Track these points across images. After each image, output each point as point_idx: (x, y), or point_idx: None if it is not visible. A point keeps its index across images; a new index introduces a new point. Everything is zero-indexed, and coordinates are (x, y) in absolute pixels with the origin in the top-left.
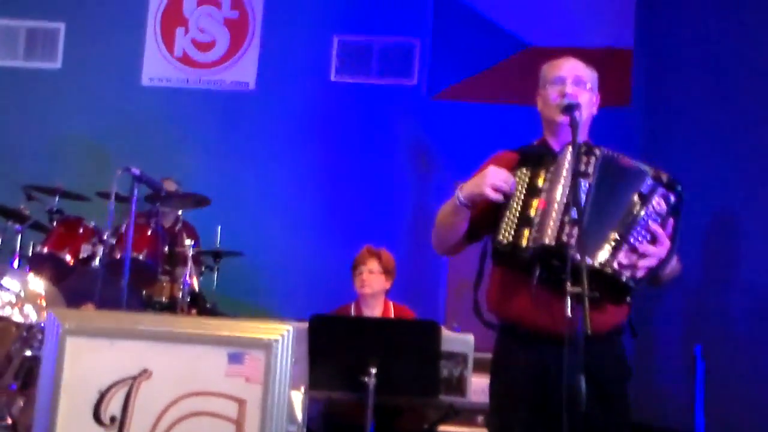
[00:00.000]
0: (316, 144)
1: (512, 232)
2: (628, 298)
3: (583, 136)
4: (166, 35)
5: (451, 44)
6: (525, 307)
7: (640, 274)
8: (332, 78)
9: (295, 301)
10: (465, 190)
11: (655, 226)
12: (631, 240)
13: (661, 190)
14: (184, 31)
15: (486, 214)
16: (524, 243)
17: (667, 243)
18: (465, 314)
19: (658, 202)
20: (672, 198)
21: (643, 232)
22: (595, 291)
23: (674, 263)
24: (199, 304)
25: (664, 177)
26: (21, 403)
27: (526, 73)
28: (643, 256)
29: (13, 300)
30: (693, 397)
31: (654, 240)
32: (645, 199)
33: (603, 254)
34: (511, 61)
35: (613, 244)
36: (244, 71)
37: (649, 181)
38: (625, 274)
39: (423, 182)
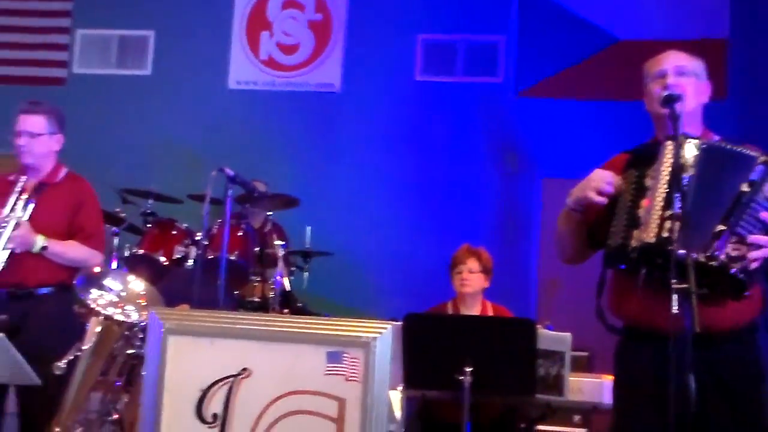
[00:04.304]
0: (402, 144)
1: (622, 234)
2: (746, 293)
3: (695, 126)
4: (252, 39)
5: (536, 40)
6: (639, 307)
7: (752, 265)
8: (417, 77)
9: (385, 300)
10: (572, 194)
11: (766, 215)
12: (739, 230)
13: None
14: (269, 34)
15: (604, 220)
16: (633, 244)
17: None
18: (557, 313)
19: None
20: None
21: (753, 222)
22: (705, 287)
23: None
24: (291, 304)
25: None
26: (125, 399)
27: (616, 68)
28: (753, 247)
29: (116, 300)
30: None
31: (767, 230)
32: (755, 187)
33: (708, 247)
34: (600, 56)
35: (719, 236)
36: (329, 73)
37: (759, 167)
38: (735, 267)
39: (511, 180)
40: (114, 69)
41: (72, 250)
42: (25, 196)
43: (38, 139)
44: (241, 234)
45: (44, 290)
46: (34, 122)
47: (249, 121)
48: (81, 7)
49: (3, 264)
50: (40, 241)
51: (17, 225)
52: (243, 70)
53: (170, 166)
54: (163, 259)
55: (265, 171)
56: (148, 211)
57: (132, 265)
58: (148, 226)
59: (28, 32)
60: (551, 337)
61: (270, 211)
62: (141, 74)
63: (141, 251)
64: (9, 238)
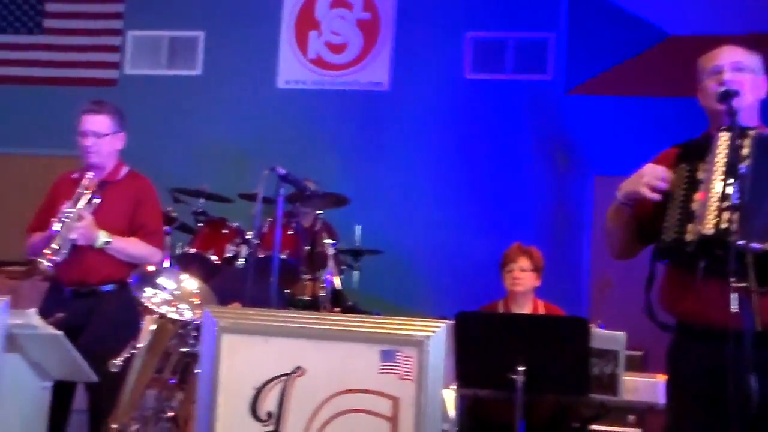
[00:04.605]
0: (451, 142)
1: (676, 229)
2: None
3: (751, 121)
4: (300, 39)
5: (587, 37)
6: (696, 303)
7: None
8: (466, 75)
9: (435, 299)
10: (623, 189)
11: None
12: None
13: None
14: (317, 34)
15: (655, 214)
16: (688, 238)
17: None
18: (609, 311)
19: None
20: None
21: None
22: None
23: None
24: (341, 303)
25: None
26: (180, 396)
27: (667, 64)
28: None
29: (169, 298)
30: None
31: None
32: None
33: None
34: (651, 52)
35: None
36: (378, 71)
37: None
38: None
39: (561, 178)
40: (164, 70)
41: (134, 247)
42: (89, 193)
43: (103, 138)
44: (292, 233)
45: (108, 287)
46: (98, 122)
47: (298, 120)
48: (132, 8)
49: (65, 255)
50: (102, 236)
51: (80, 218)
52: (292, 69)
53: (220, 165)
54: (214, 258)
55: (315, 170)
56: (200, 210)
57: (184, 263)
58: (200, 225)
59: (81, 35)
60: (605, 336)
61: (320, 209)
62: (191, 74)
63: (193, 250)
64: (72, 229)
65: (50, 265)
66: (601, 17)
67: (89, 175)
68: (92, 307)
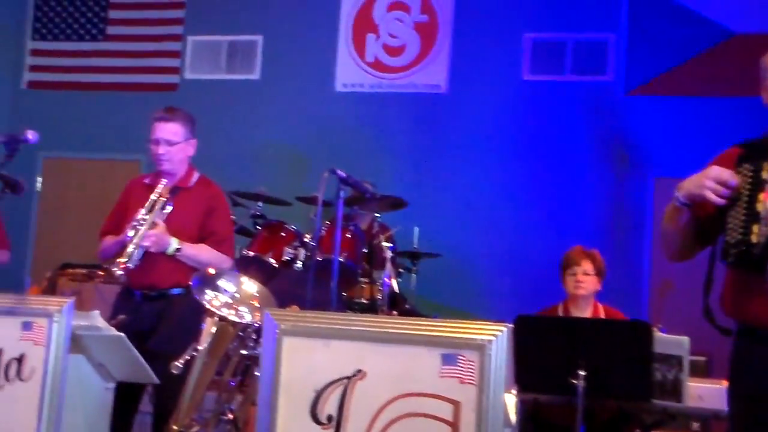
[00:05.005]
0: (510, 144)
1: (741, 230)
2: None
3: None
4: (358, 42)
5: (647, 37)
6: (762, 306)
7: None
8: (524, 77)
9: (493, 302)
10: (683, 188)
11: None
12: None
13: None
14: (375, 37)
15: (716, 215)
16: (754, 239)
17: None
18: (669, 316)
19: None
20: None
21: None
22: None
23: None
24: (399, 306)
25: None
26: (239, 399)
27: (731, 63)
28: None
29: (230, 301)
30: None
31: None
32: None
33: None
34: (715, 50)
35: None
36: (436, 74)
37: None
38: None
39: (620, 181)
40: (224, 74)
41: (204, 254)
42: (162, 200)
43: (176, 146)
44: (350, 236)
45: (176, 291)
46: (171, 130)
47: (356, 123)
48: (192, 14)
49: (137, 262)
50: (174, 243)
51: (153, 225)
52: (349, 72)
53: (278, 168)
54: (272, 260)
55: (372, 172)
56: (258, 213)
57: (242, 266)
58: (258, 228)
59: (143, 41)
60: (668, 341)
61: (377, 212)
62: (250, 78)
63: (251, 253)
64: (145, 237)
65: (122, 272)
66: (663, 16)
67: (163, 182)
68: (162, 310)
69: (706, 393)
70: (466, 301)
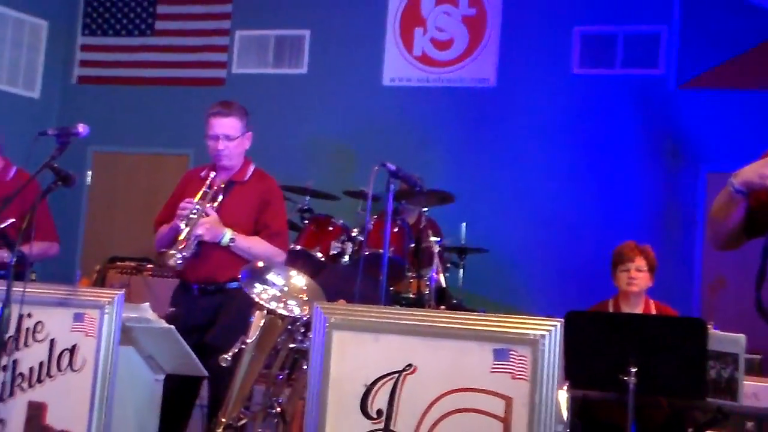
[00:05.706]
0: (559, 138)
1: None
2: None
3: None
4: (405, 36)
5: (701, 29)
6: None
7: None
8: (574, 71)
9: (540, 297)
10: (741, 176)
11: None
12: None
13: None
14: (422, 31)
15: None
16: None
17: None
18: (723, 312)
19: None
20: None
21: None
22: None
23: None
24: (446, 301)
25: None
26: (287, 392)
27: None
28: None
29: (278, 294)
30: None
31: None
32: None
33: None
34: None
35: None
36: (484, 68)
37: None
38: None
39: (672, 175)
40: (271, 68)
41: (258, 247)
42: (213, 190)
43: (234, 141)
44: (397, 230)
45: (233, 285)
46: (228, 125)
47: (403, 117)
48: (239, 9)
49: (192, 250)
50: (228, 233)
51: (205, 214)
52: (397, 66)
53: (326, 162)
54: (319, 255)
55: (420, 167)
56: (305, 208)
57: (290, 260)
58: (305, 222)
59: (190, 35)
60: (724, 338)
61: (425, 207)
62: (297, 73)
63: (298, 247)
64: (198, 225)
65: (180, 261)
66: (717, 7)
67: (212, 174)
68: (220, 304)
69: (762, 392)
70: (512, 297)
